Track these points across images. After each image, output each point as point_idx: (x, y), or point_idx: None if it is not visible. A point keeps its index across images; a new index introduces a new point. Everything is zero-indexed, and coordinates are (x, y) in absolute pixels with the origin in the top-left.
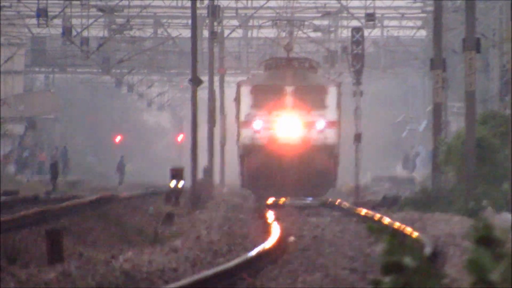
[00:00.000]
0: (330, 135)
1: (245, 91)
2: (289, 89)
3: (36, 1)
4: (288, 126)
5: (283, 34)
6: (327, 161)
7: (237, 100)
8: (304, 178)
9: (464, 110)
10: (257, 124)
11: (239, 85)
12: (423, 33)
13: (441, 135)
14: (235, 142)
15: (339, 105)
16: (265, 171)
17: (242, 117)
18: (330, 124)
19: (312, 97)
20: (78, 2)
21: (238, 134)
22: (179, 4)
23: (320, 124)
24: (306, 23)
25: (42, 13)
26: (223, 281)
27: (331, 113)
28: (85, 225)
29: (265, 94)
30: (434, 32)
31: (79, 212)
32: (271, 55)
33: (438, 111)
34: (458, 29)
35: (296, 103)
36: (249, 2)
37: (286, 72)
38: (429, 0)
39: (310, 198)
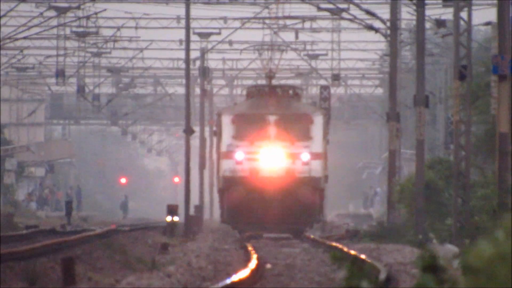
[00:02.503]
0: (316, 168)
1: (226, 120)
2: (272, 118)
3: (55, 63)
4: (271, 158)
5: (265, 60)
6: (312, 194)
7: (218, 129)
8: (288, 212)
9: (415, 156)
10: (239, 155)
11: (219, 114)
12: (380, 90)
13: (395, 177)
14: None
15: (325, 135)
16: (246, 205)
17: (224, 148)
18: (316, 155)
19: (296, 127)
20: (91, 64)
21: (218, 166)
22: (175, 66)
23: (305, 155)
24: (288, 48)
25: (60, 74)
26: None
27: (316, 144)
28: (94, 253)
29: (247, 124)
30: (390, 89)
31: (89, 242)
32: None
33: (392, 157)
34: (410, 87)
35: (280, 133)
36: (234, 64)
37: (269, 100)
38: (385, 62)
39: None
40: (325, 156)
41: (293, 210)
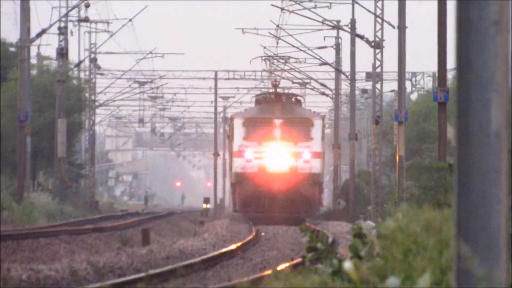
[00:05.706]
0: (315, 165)
1: (238, 123)
2: (277, 121)
3: (138, 114)
4: (277, 156)
5: (270, 68)
6: (312, 188)
7: (230, 132)
8: (291, 204)
9: (349, 169)
10: (249, 153)
11: (232, 118)
12: (329, 130)
13: (337, 182)
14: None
15: (323, 137)
16: (255, 198)
17: (235, 148)
18: (315, 154)
19: (298, 129)
20: (159, 115)
21: (231, 163)
22: (208, 116)
23: (306, 154)
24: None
25: (140, 120)
26: (228, 254)
27: (316, 144)
28: (160, 226)
29: (256, 126)
30: (335, 130)
31: (158, 219)
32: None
33: (336, 170)
34: (346, 128)
35: (284, 135)
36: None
37: (274, 105)
38: (332, 114)
39: None
40: (323, 155)
41: (296, 202)
